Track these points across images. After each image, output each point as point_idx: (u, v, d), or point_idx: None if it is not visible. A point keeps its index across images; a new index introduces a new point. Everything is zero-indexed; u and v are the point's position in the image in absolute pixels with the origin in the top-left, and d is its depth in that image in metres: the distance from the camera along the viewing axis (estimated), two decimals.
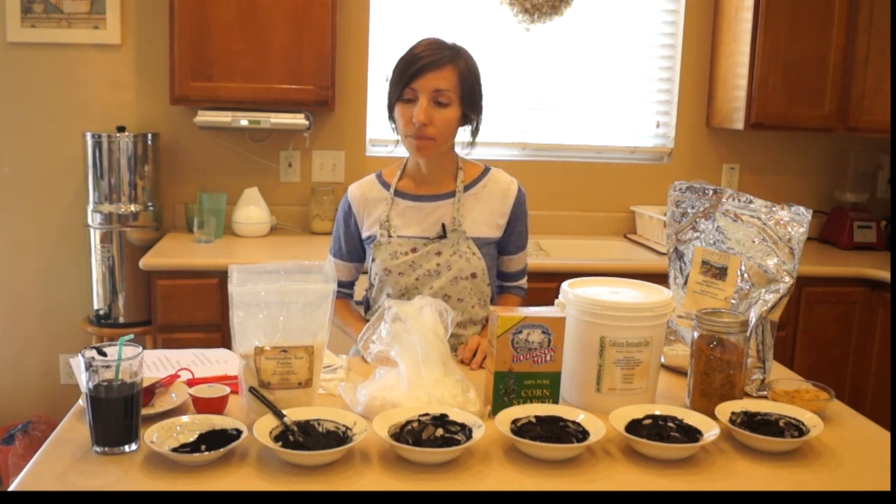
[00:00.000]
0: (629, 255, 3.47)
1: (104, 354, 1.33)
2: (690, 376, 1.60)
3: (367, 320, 2.06)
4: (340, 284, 2.06)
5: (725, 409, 1.50)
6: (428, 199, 1.99)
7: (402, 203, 2.00)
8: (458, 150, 2.04)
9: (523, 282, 2.13)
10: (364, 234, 2.03)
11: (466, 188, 2.00)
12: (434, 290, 1.94)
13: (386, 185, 2.03)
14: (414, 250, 1.96)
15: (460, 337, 1.97)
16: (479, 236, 1.98)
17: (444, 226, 1.96)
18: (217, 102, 3.13)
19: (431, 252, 1.95)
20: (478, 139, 2.03)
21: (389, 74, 1.92)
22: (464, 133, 2.00)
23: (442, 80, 1.85)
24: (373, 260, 1.99)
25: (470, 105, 1.92)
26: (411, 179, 2.02)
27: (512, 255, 2.07)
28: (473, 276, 1.96)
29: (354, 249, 2.07)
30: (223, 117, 3.12)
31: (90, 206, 3.14)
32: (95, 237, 3.14)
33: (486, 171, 2.04)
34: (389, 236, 1.97)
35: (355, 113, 3.53)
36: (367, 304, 2.10)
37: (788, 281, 1.67)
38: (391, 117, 1.97)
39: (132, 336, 1.40)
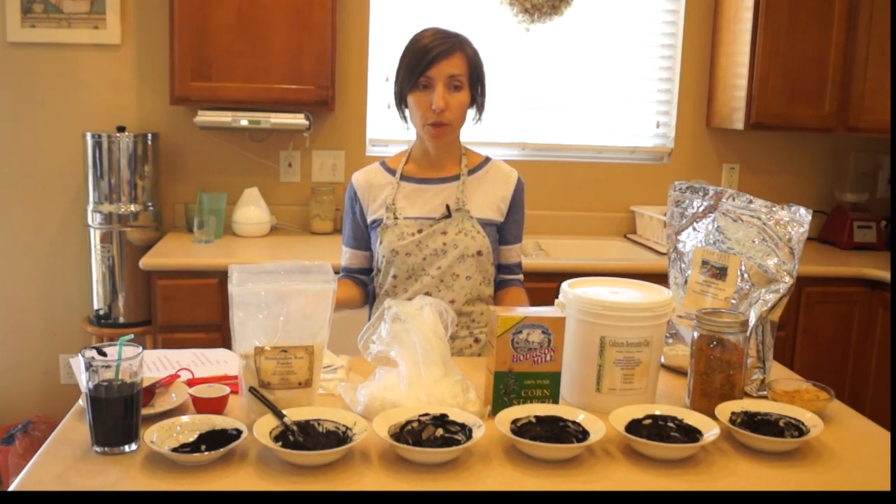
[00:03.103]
0: (629, 255, 3.47)
1: (104, 354, 1.33)
2: (690, 376, 1.60)
3: (369, 307, 2.13)
4: (354, 271, 2.13)
5: (725, 409, 1.50)
6: (433, 181, 2.05)
7: (408, 186, 2.05)
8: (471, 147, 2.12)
9: (521, 276, 2.16)
10: (369, 219, 2.07)
11: (470, 172, 2.07)
12: (442, 269, 1.98)
13: (391, 171, 2.09)
14: (420, 231, 2.00)
15: (471, 314, 2.02)
16: (482, 217, 2.03)
17: (448, 206, 2.00)
18: (217, 102, 3.13)
19: (437, 231, 2.00)
20: (478, 139, 2.08)
21: (397, 67, 1.99)
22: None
23: (454, 66, 1.93)
24: (379, 243, 2.03)
25: (477, 87, 2.01)
26: (417, 164, 2.08)
27: (510, 244, 2.11)
28: (479, 253, 2.01)
29: (363, 236, 2.11)
30: (223, 117, 3.12)
31: (90, 206, 3.14)
32: (95, 237, 3.14)
33: (488, 160, 2.13)
34: (395, 218, 2.01)
35: (355, 113, 3.53)
36: (373, 292, 2.12)
37: (788, 281, 1.67)
38: (400, 109, 2.03)
39: (132, 336, 1.40)
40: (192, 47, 3.06)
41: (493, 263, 2.06)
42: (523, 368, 1.52)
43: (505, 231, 2.08)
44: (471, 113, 2.04)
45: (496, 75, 3.56)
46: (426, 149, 2.05)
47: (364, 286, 2.13)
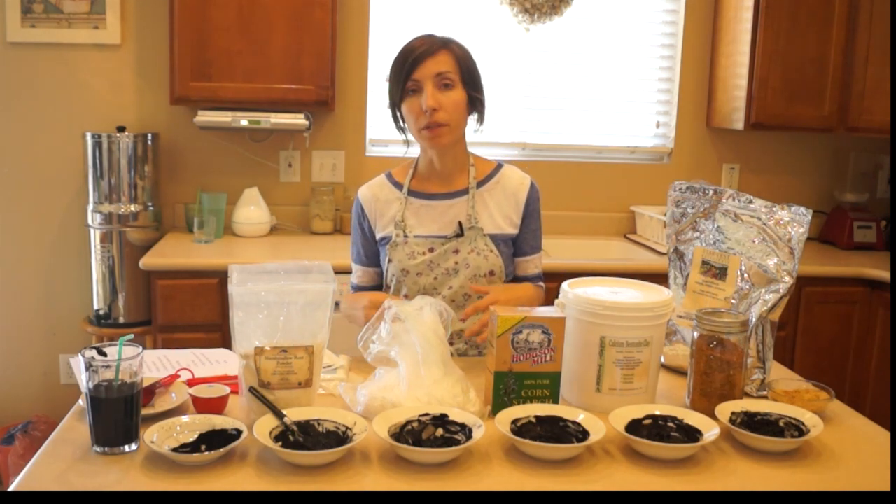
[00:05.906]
0: (629, 255, 3.47)
1: (104, 354, 1.33)
2: (690, 376, 1.60)
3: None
4: (366, 289, 2.03)
5: (725, 409, 1.50)
6: (442, 196, 1.97)
7: (416, 202, 1.98)
8: (469, 148, 2.02)
9: (542, 285, 2.06)
10: (378, 236, 2.00)
11: (479, 185, 1.98)
12: (454, 289, 1.93)
13: (398, 185, 2.00)
14: (431, 250, 1.94)
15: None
16: (495, 233, 1.96)
17: (460, 224, 1.94)
18: (217, 102, 3.13)
19: (449, 251, 1.93)
20: (478, 140, 2.03)
21: (388, 77, 1.91)
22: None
23: (440, 63, 1.85)
24: (389, 261, 1.96)
25: (472, 86, 1.91)
26: (424, 178, 2.00)
27: (527, 256, 2.02)
28: (491, 273, 1.94)
29: (373, 253, 2.03)
30: (223, 117, 3.12)
31: (90, 206, 3.14)
32: (95, 237, 3.14)
33: (499, 167, 2.03)
34: (405, 236, 1.95)
35: (355, 113, 3.53)
36: None
37: (788, 281, 1.67)
38: (396, 119, 1.95)
39: (132, 336, 1.40)
40: (192, 47, 3.06)
41: (507, 280, 1.98)
42: (523, 368, 1.52)
43: (521, 242, 2.00)
44: (472, 122, 1.95)
45: (496, 75, 3.56)
46: (430, 161, 1.97)
47: None
